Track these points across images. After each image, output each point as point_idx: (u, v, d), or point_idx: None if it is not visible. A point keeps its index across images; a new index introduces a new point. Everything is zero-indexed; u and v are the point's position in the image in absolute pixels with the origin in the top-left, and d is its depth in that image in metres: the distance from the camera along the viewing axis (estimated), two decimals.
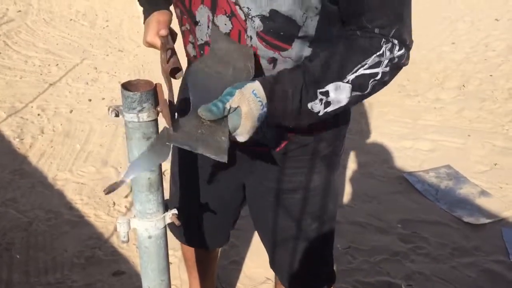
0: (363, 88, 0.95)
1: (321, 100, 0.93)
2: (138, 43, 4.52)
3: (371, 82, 0.94)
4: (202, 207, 1.32)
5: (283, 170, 1.17)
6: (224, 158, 0.82)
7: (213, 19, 1.00)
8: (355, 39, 0.94)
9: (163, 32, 1.07)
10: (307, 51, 1.00)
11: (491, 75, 4.16)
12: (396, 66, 0.95)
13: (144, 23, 1.22)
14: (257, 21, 0.95)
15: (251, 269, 2.14)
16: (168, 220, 0.96)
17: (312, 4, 0.92)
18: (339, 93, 0.93)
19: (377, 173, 2.85)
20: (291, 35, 0.97)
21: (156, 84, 0.86)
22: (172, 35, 1.15)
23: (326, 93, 0.93)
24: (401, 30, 0.93)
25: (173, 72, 1.01)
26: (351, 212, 2.52)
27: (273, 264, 1.37)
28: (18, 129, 3.12)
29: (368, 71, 0.93)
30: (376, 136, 3.27)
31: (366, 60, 0.93)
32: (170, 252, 1.90)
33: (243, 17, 0.96)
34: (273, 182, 1.20)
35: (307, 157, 1.17)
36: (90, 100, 3.55)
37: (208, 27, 1.02)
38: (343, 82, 0.93)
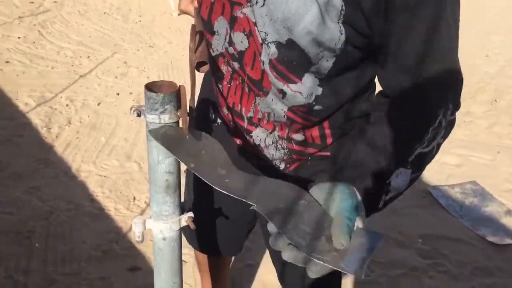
0: (422, 167, 0.89)
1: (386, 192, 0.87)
2: (169, 40, 4.55)
3: (428, 159, 0.89)
4: (215, 216, 1.30)
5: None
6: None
7: (230, 34, 0.98)
8: (410, 109, 0.87)
9: (196, 3, 1.06)
10: (318, 90, 0.95)
11: None
12: (448, 133, 0.90)
13: None
14: (273, 48, 0.90)
15: (264, 275, 2.12)
16: (184, 223, 0.95)
17: (331, 46, 0.87)
18: (399, 180, 0.86)
19: None
20: (303, 68, 0.92)
21: (179, 86, 0.86)
22: None
23: (388, 183, 0.87)
24: (457, 91, 0.87)
25: (199, 65, 0.95)
26: (370, 224, 2.48)
27: (281, 279, 1.34)
28: (46, 119, 3.17)
29: (426, 150, 0.87)
30: None
31: (424, 138, 0.86)
32: (185, 251, 1.89)
33: (260, 40, 0.92)
34: None
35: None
36: (118, 94, 3.59)
37: (225, 40, 0.99)
38: (404, 168, 0.86)
